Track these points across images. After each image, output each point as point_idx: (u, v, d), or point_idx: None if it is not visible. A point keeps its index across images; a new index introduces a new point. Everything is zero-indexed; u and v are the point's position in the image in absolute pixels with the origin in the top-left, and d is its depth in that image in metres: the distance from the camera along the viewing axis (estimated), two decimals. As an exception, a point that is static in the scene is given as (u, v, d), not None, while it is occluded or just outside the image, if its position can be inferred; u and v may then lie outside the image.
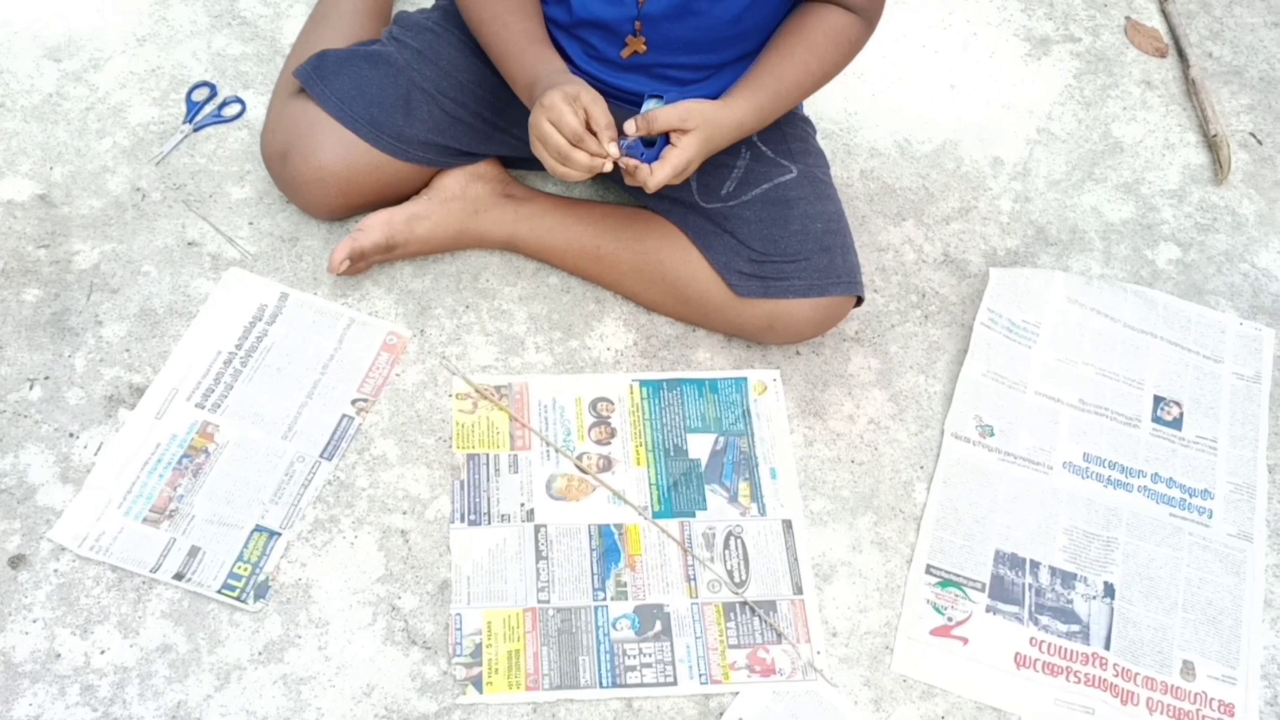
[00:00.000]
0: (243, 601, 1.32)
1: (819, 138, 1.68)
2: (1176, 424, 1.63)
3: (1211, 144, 1.94)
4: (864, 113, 1.90)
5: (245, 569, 1.34)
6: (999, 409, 1.59)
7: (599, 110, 1.33)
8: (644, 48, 1.47)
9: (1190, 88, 2.02)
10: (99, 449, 1.40)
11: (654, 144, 1.39)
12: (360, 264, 1.54)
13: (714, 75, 1.51)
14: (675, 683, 1.33)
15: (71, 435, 1.41)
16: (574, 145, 1.33)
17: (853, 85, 1.93)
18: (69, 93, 1.71)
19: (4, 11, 1.77)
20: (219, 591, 1.32)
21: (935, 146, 1.89)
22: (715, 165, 1.53)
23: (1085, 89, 2.01)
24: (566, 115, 1.32)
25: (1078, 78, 2.02)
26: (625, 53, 1.48)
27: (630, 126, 1.37)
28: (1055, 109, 1.97)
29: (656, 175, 1.36)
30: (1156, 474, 1.57)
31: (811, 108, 1.70)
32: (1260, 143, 1.98)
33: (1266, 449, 1.62)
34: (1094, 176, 1.89)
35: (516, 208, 1.60)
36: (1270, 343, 1.72)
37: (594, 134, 1.34)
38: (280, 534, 1.37)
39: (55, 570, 1.32)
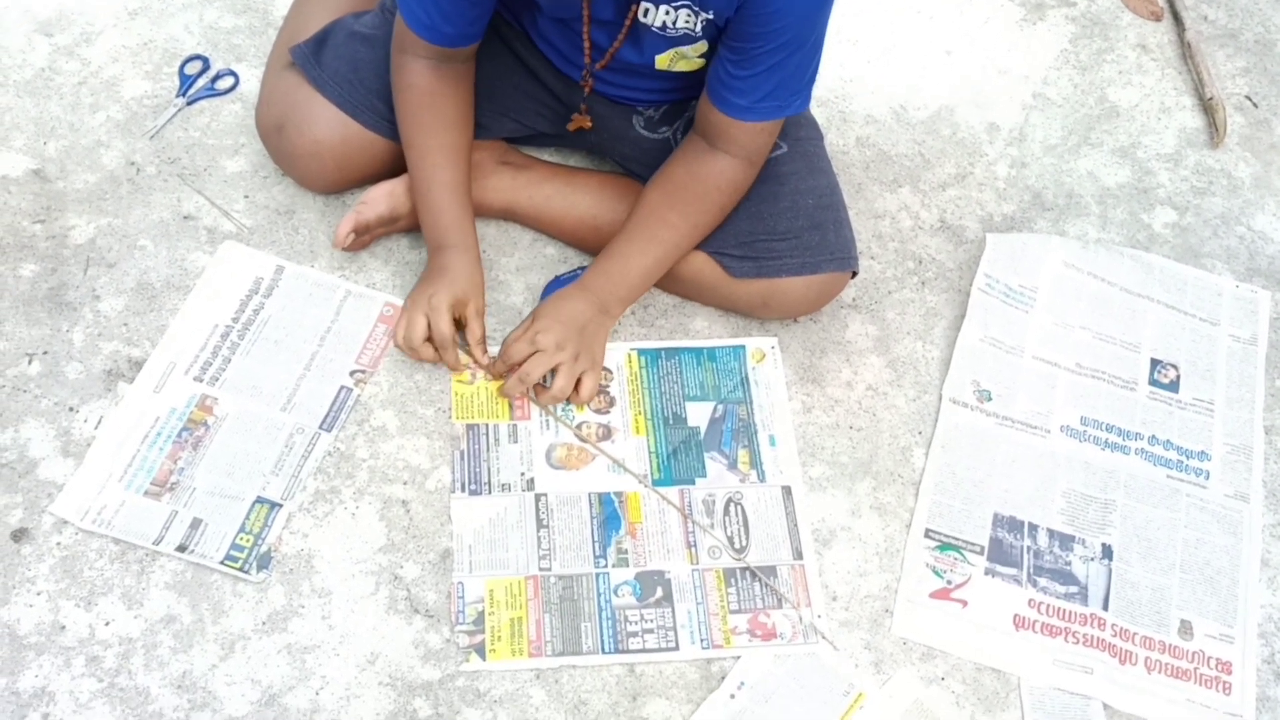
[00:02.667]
0: (246, 572, 1.33)
1: (813, 106, 1.67)
2: (1173, 386, 1.63)
3: (1207, 107, 1.94)
4: (859, 80, 1.90)
5: (247, 540, 1.35)
6: (996, 374, 1.60)
7: (478, 325, 1.47)
8: (589, 124, 1.58)
9: (1186, 51, 2.02)
10: (99, 423, 1.41)
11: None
12: (364, 237, 1.54)
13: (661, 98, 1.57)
14: (677, 648, 1.34)
15: (71, 409, 1.42)
16: (435, 348, 1.46)
17: (848, 52, 1.92)
18: (61, 67, 1.70)
19: (-6, -14, 1.76)
20: (222, 563, 1.33)
21: (931, 113, 1.88)
22: None
23: (1081, 53, 2.00)
24: (443, 325, 1.43)
25: (1073, 42, 2.02)
26: (571, 126, 1.59)
27: (485, 360, 1.48)
28: (1051, 74, 1.97)
29: (542, 398, 1.46)
30: (1154, 436, 1.58)
31: (807, 74, 1.70)
32: (1256, 105, 1.98)
33: (1263, 410, 1.62)
34: (1090, 141, 1.89)
35: (514, 174, 1.60)
36: (1266, 305, 1.73)
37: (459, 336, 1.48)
38: (281, 505, 1.38)
39: (58, 543, 1.33)
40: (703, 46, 1.43)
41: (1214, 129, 1.91)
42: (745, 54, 1.35)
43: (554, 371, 1.44)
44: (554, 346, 1.42)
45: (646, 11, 1.37)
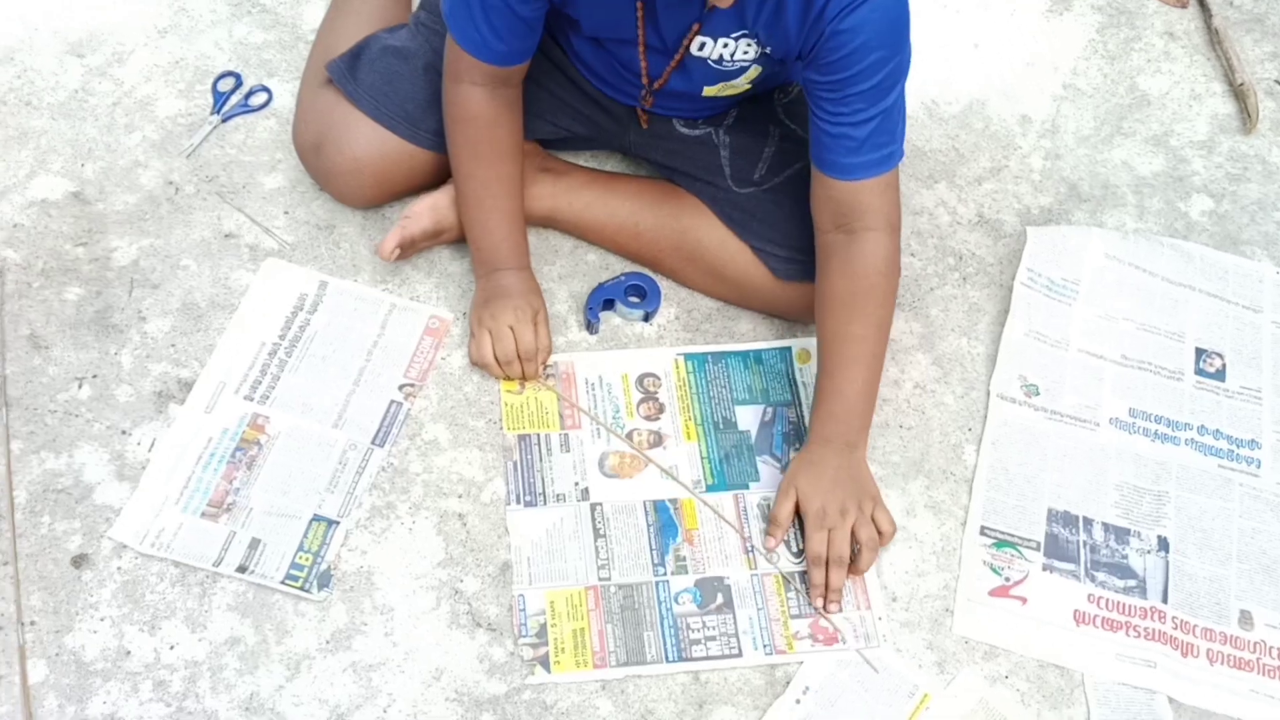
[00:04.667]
0: (307, 591, 1.33)
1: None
2: (1220, 375, 1.63)
3: (1238, 93, 1.93)
4: (890, 76, 1.89)
5: (307, 559, 1.35)
6: (1043, 368, 1.59)
7: (544, 333, 1.50)
8: (650, 105, 1.54)
9: (1213, 37, 2.01)
10: (152, 445, 1.40)
11: (644, 295, 1.56)
12: (410, 250, 1.54)
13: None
14: (740, 654, 1.34)
15: (124, 433, 1.41)
16: (500, 365, 1.49)
17: (877, 48, 1.91)
18: (94, 88, 1.69)
19: (22, 9, 1.75)
20: (282, 582, 1.33)
21: (962, 107, 1.88)
22: (746, 149, 1.54)
23: (1108, 43, 2.00)
24: (509, 347, 1.47)
25: (1100, 32, 2.01)
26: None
27: (770, 543, 1.41)
28: (1080, 64, 1.96)
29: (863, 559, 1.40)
30: (1203, 426, 1.58)
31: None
32: (1287, 90, 1.97)
33: (1310, 397, 1.62)
34: (1123, 130, 1.89)
35: (555, 181, 1.59)
36: (1308, 291, 1.72)
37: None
38: (339, 522, 1.38)
39: (118, 568, 1.32)
40: (754, 73, 1.42)
41: (1246, 115, 1.91)
42: (834, 102, 1.33)
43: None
44: (839, 514, 1.38)
45: (703, 45, 1.36)
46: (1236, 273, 1.73)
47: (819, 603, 1.36)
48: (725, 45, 1.36)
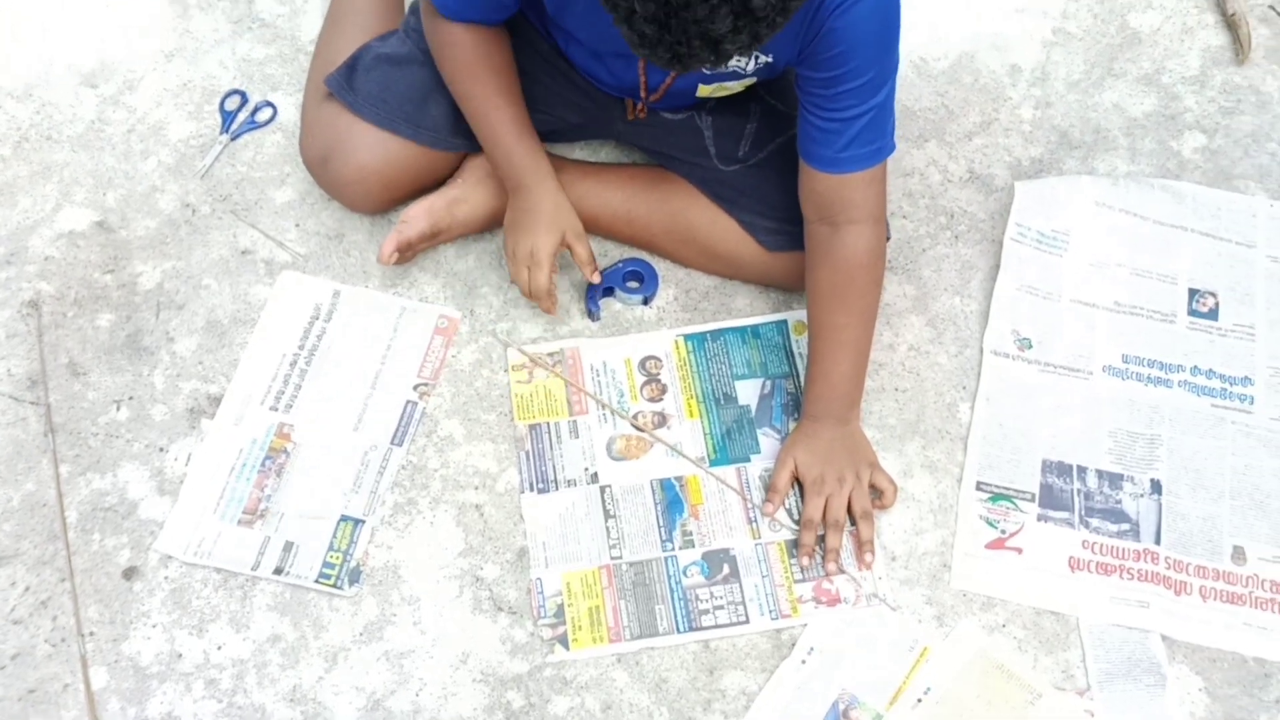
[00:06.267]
0: (339, 588, 1.43)
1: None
2: (1213, 314, 1.66)
3: (1230, 23, 1.93)
4: (877, 36, 1.91)
5: (337, 557, 1.44)
6: (1035, 321, 1.63)
7: (581, 248, 1.54)
8: (643, 114, 1.59)
9: (1205, -34, 2.00)
10: (188, 460, 1.51)
11: (642, 280, 1.62)
12: (408, 253, 1.61)
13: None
14: (747, 621, 1.42)
15: (161, 450, 1.52)
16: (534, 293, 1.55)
17: (863, 9, 1.93)
18: (109, 117, 1.78)
19: (37, 44, 1.84)
20: (316, 581, 1.43)
21: (951, 62, 1.90)
22: (729, 128, 1.58)
23: (1098, -19, 2.00)
24: (541, 279, 1.52)
25: (1090, -30, 2.01)
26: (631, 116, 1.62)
27: (769, 509, 1.48)
28: (1069, 6, 1.97)
29: (862, 530, 1.46)
30: (1196, 367, 1.61)
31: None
32: (1280, 14, 1.97)
33: (1304, 329, 1.65)
34: (1113, 72, 1.90)
35: (550, 176, 1.65)
36: (1302, 221, 1.74)
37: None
38: (364, 521, 1.47)
39: (166, 577, 1.43)
40: (751, 80, 1.47)
41: (1238, 45, 1.91)
42: (825, 99, 1.37)
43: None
44: (837, 481, 1.45)
45: None
46: (1229, 209, 1.74)
47: (805, 561, 1.44)
48: None
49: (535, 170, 1.54)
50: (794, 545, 1.46)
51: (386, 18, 1.76)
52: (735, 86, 1.50)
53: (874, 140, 1.41)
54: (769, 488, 1.49)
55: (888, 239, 1.60)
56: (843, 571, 1.44)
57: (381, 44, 1.66)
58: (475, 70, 1.53)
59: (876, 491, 1.48)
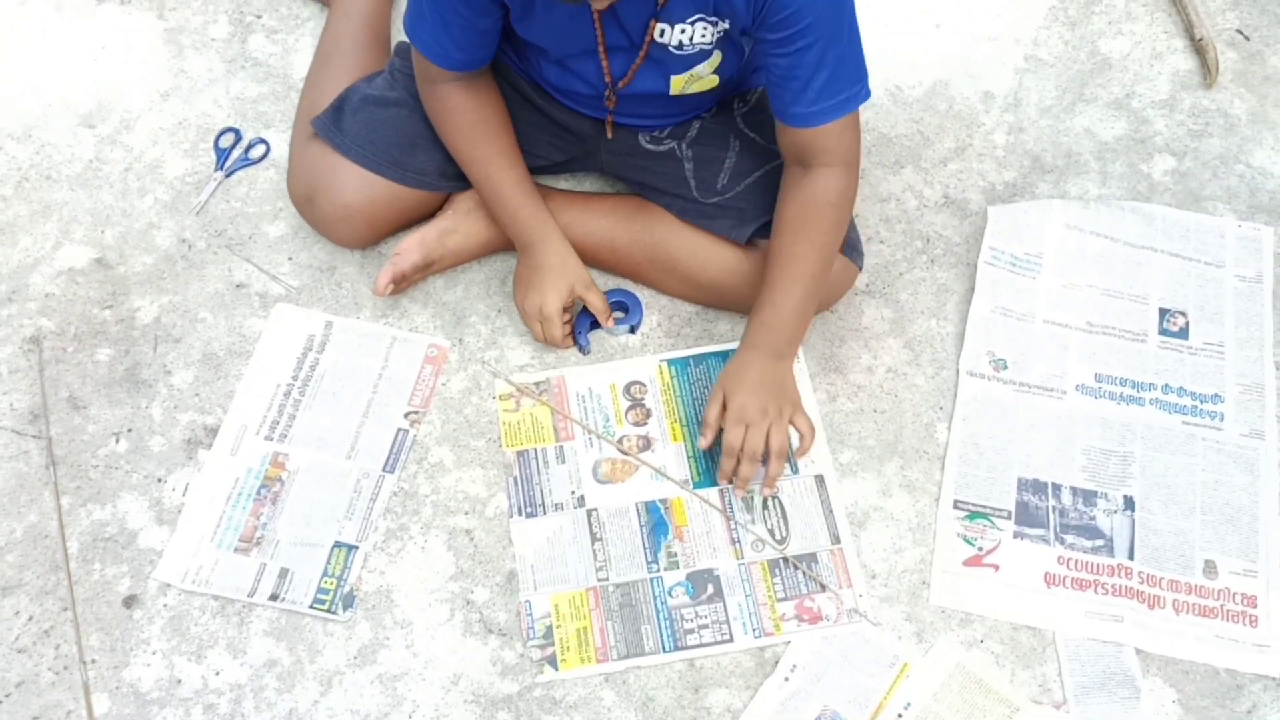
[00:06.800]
0: (333, 613, 1.47)
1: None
2: (1183, 333, 1.70)
3: (1198, 48, 1.98)
4: (854, 66, 1.96)
5: (331, 583, 1.48)
6: (1010, 342, 1.68)
7: (595, 298, 1.63)
8: (613, 104, 1.62)
9: (1174, -8, 2.05)
10: (186, 490, 1.55)
11: (627, 310, 1.69)
12: (403, 284, 1.66)
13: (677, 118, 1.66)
14: (731, 639, 1.46)
15: (160, 480, 1.56)
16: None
17: (840, 40, 1.98)
18: (107, 156, 1.83)
19: (36, 84, 1.89)
20: (311, 606, 1.47)
21: (926, 89, 1.95)
22: (708, 160, 1.63)
23: (1069, 8, 2.05)
24: (555, 331, 1.61)
25: (1061, -2, 2.06)
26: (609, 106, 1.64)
27: (702, 443, 1.53)
28: (1041, 34, 2.02)
29: (772, 468, 1.51)
30: (1167, 385, 1.65)
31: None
32: (1248, 39, 2.01)
33: (1273, 347, 1.69)
34: (1084, 97, 1.95)
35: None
36: (1270, 241, 1.78)
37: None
38: (357, 547, 1.51)
39: (164, 605, 1.47)
40: (715, 60, 1.51)
41: (1206, 70, 1.96)
42: (786, 59, 1.41)
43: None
44: (759, 413, 1.49)
45: (663, 32, 1.45)
46: (1198, 230, 1.79)
47: (723, 483, 1.53)
48: (683, 31, 1.44)
49: (541, 228, 1.61)
50: (776, 565, 1.50)
51: (373, 59, 1.81)
52: (705, 72, 1.53)
53: (841, 90, 1.44)
54: (701, 422, 1.53)
55: (861, 257, 1.65)
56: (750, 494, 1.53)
57: (368, 85, 1.70)
58: (475, 134, 1.59)
59: (797, 432, 1.52)
